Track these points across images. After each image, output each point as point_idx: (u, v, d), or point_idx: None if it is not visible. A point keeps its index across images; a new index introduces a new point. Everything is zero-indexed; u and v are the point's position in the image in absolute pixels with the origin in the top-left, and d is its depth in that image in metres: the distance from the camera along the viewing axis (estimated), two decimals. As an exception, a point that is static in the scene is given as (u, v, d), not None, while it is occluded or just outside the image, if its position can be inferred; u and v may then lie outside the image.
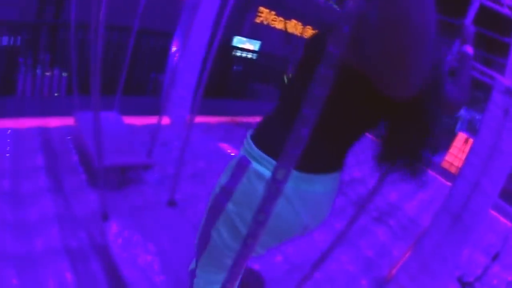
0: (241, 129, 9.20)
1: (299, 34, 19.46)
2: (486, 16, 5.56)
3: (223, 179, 1.90)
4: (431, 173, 11.05)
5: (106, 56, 7.63)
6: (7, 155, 5.42)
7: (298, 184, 1.71)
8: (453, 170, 12.74)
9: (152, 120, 7.58)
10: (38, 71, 9.07)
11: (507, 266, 6.59)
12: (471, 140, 13.00)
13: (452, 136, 16.10)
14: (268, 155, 1.73)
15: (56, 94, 8.64)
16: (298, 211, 1.77)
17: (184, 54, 7.65)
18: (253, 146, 1.80)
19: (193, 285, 2.23)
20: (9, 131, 6.18)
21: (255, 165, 1.75)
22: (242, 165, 1.80)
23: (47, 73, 9.23)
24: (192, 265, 2.33)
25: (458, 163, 12.71)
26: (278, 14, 18.10)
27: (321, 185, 1.80)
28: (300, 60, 1.78)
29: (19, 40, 9.00)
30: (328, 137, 1.72)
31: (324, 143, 1.72)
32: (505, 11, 5.69)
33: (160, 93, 9.11)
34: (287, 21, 18.46)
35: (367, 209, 5.98)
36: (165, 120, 8.03)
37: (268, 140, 1.78)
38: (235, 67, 12.36)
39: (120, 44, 8.64)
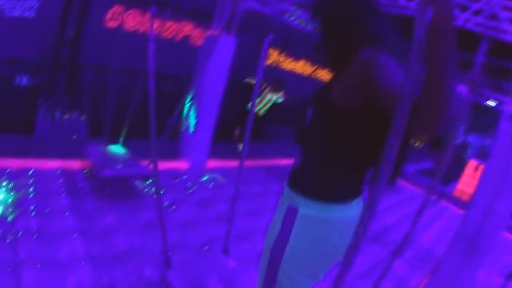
0: (260, 171, 9.36)
1: (308, 74, 19.70)
2: (494, 44, 5.73)
3: (275, 228, 2.16)
4: (443, 203, 11.10)
5: (121, 99, 7.83)
6: (31, 195, 5.54)
7: (342, 213, 2.04)
8: (465, 197, 12.78)
9: (171, 165, 7.79)
10: (57, 113, 9.26)
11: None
12: (481, 167, 13.01)
13: (462, 164, 16.13)
14: (311, 198, 2.04)
15: (74, 137, 8.82)
16: (345, 235, 2.04)
17: (201, 99, 7.85)
18: (296, 194, 2.10)
19: None
20: (32, 171, 6.35)
21: (302, 210, 2.06)
22: (291, 214, 2.08)
23: (66, 116, 9.43)
24: None
25: (470, 190, 12.77)
26: (287, 55, 18.26)
27: (354, 209, 2.09)
28: (315, 111, 2.11)
29: (38, 80, 9.21)
30: (355, 171, 2.06)
31: (353, 175, 2.06)
32: (510, 37, 5.86)
33: (176, 137, 9.25)
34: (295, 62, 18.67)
35: (384, 243, 6.09)
36: (183, 165, 8.24)
37: (306, 185, 2.08)
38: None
39: (132, 87, 8.88)
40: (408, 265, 6.49)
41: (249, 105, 9.80)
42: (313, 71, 16.87)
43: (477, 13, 6.30)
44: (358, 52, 1.86)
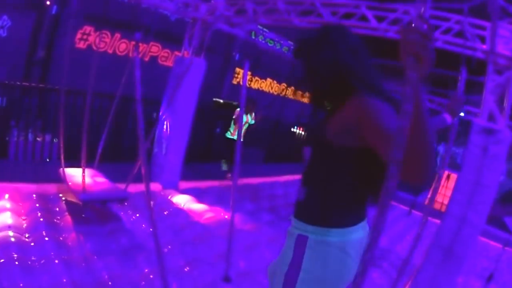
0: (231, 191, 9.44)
1: (275, 93, 19.90)
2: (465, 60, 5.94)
3: (286, 258, 2.28)
4: (416, 213, 11.28)
5: (92, 122, 7.86)
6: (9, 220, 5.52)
7: (349, 237, 2.21)
8: (437, 206, 12.97)
9: (141, 187, 7.86)
10: (30, 135, 9.25)
11: (503, 285, 7.00)
12: (452, 176, 13.20)
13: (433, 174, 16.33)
14: (319, 226, 2.21)
15: (47, 160, 8.85)
16: (354, 257, 2.21)
17: (172, 121, 7.96)
18: (305, 224, 2.26)
19: None
20: (7, 195, 6.32)
21: (312, 237, 2.21)
22: (301, 241, 2.23)
23: (39, 139, 9.42)
24: None
25: (442, 199, 12.98)
26: (253, 74, 18.38)
27: (360, 232, 2.27)
28: (313, 147, 2.33)
29: (4, 101, 9.17)
30: (357, 199, 2.27)
31: (355, 203, 2.27)
32: (479, 54, 6.09)
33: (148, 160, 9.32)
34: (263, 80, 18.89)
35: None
36: (156, 187, 8.32)
37: (314, 215, 2.25)
38: (218, 130, 12.69)
39: (103, 110, 8.92)
40: (386, 275, 6.64)
41: (229, 131, 9.97)
42: (282, 91, 16.97)
43: (447, 31, 6.51)
44: (353, 96, 2.06)
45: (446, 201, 11.73)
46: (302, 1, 7.57)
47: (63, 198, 6.54)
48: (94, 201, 6.13)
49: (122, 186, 6.62)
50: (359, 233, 2.26)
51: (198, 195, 8.46)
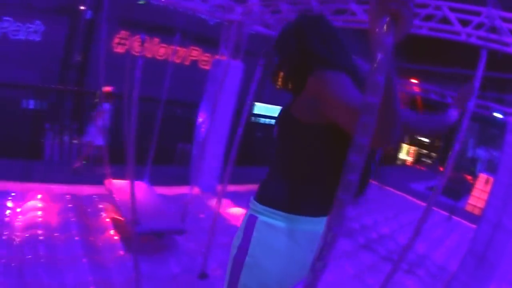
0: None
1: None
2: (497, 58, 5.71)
3: (237, 241, 2.18)
4: (455, 218, 11.06)
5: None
6: (40, 219, 5.55)
7: (302, 226, 2.07)
8: (477, 212, 12.75)
9: (181, 190, 7.77)
10: (65, 138, 9.28)
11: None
12: (491, 180, 13.00)
13: (473, 178, 16.06)
14: (271, 207, 2.07)
15: (84, 162, 8.83)
16: (305, 250, 2.09)
17: (212, 125, 7.89)
18: (257, 204, 2.13)
19: None
20: (40, 196, 6.35)
21: (262, 218, 2.08)
22: (251, 222, 2.12)
23: (75, 141, 9.45)
24: None
25: (481, 204, 12.75)
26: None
27: (320, 226, 2.06)
28: (280, 127, 2.21)
29: (44, 105, 9.23)
30: (319, 185, 2.10)
31: (316, 190, 2.10)
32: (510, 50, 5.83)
33: (188, 162, 9.23)
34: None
35: (397, 263, 6.13)
36: (195, 190, 8.20)
37: (269, 196, 2.12)
38: (258, 134, 12.62)
39: (146, 114, 8.91)
40: (421, 283, 6.45)
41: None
42: None
43: (479, 27, 6.28)
44: (313, 72, 2.00)
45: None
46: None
47: (110, 218, 6.28)
48: (149, 234, 5.59)
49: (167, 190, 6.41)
50: (316, 226, 2.10)
51: (236, 198, 8.36)
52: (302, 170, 2.08)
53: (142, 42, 4.49)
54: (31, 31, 11.70)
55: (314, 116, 1.98)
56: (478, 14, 6.06)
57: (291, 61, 2.21)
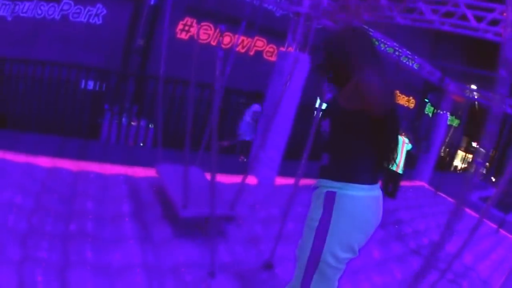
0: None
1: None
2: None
3: (316, 214, 2.75)
4: (503, 232, 10.79)
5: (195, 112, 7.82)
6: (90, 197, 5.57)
7: (369, 192, 2.71)
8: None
9: (236, 179, 7.70)
10: (124, 119, 9.33)
11: None
12: (546, 197, 12.65)
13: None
14: (345, 181, 2.67)
15: (141, 145, 8.88)
16: (374, 210, 2.75)
17: (276, 116, 7.83)
18: (332, 181, 2.73)
19: None
20: (93, 174, 6.39)
21: (340, 192, 2.67)
22: (330, 196, 2.69)
23: (133, 123, 9.50)
24: None
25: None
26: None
27: (378, 191, 2.80)
28: (332, 119, 2.82)
29: (104, 87, 9.31)
30: (371, 159, 2.74)
31: (370, 163, 2.74)
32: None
33: (246, 152, 9.17)
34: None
35: (444, 272, 6.00)
36: (252, 180, 8.20)
37: (340, 173, 2.71)
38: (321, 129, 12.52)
39: (204, 101, 8.90)
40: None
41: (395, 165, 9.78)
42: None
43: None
44: (354, 74, 2.51)
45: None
46: None
47: (158, 196, 6.31)
48: (196, 219, 5.58)
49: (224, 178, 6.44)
50: (377, 191, 2.79)
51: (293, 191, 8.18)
52: (354, 149, 2.72)
53: (222, 34, 4.62)
54: (92, 14, 11.86)
55: (356, 104, 2.52)
56: None
57: (335, 65, 2.82)
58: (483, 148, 3.76)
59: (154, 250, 4.67)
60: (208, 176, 6.17)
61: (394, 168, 9.81)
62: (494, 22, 6.73)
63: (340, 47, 2.77)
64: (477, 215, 9.71)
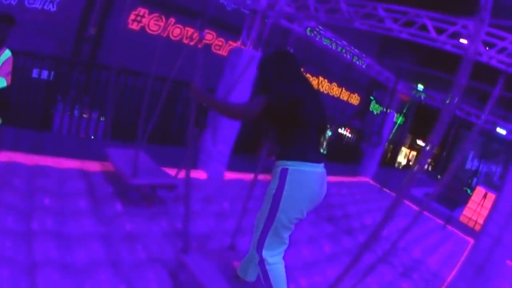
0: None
1: (325, 92, 19.86)
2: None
3: (274, 184, 3.46)
4: (450, 228, 11.16)
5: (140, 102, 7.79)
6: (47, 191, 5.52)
7: (313, 168, 3.45)
8: (471, 224, 12.85)
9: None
10: (76, 111, 9.22)
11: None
12: (490, 195, 13.07)
13: (470, 190, 16.15)
14: (294, 159, 3.40)
15: (92, 137, 8.81)
16: (318, 183, 3.50)
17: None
18: (285, 160, 3.43)
19: (265, 264, 3.55)
20: (47, 168, 6.33)
21: (291, 167, 3.39)
22: (284, 172, 3.39)
23: (85, 115, 9.40)
24: (255, 259, 3.65)
25: (475, 217, 12.84)
26: (305, 71, 18.40)
27: (319, 168, 3.52)
28: (268, 120, 3.60)
29: (56, 76, 9.15)
30: (307, 143, 3.52)
31: (307, 146, 3.51)
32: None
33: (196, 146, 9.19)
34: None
35: (393, 264, 6.19)
36: (202, 175, 8.28)
37: (290, 154, 3.43)
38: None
39: (155, 92, 8.89)
40: (415, 287, 6.53)
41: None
42: (339, 92, 16.78)
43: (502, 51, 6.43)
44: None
45: (480, 220, 11.60)
46: (364, 4, 7.57)
47: (110, 178, 6.48)
48: (144, 186, 6.15)
49: (171, 171, 6.63)
50: (321, 169, 3.53)
51: (242, 187, 8.34)
52: (293, 136, 3.47)
53: (201, 40, 5.07)
54: (47, 0, 11.66)
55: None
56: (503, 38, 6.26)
57: (259, 79, 3.77)
58: (429, 145, 3.96)
59: (116, 244, 4.73)
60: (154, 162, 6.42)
61: None
62: (454, 35, 6.94)
63: (261, 68, 3.75)
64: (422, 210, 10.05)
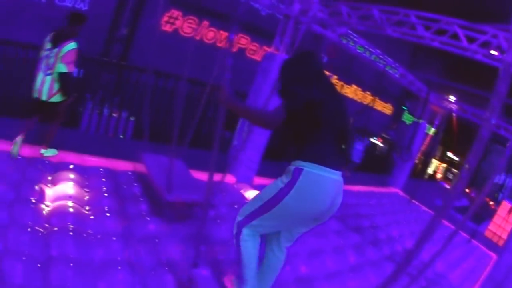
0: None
1: (358, 100, 19.73)
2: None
3: (285, 179, 3.40)
4: (474, 242, 10.96)
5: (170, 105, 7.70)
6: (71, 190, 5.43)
7: (327, 173, 3.32)
8: (495, 239, 12.64)
9: (217, 177, 7.66)
10: (105, 110, 9.22)
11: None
12: (515, 210, 12.90)
13: (495, 204, 15.89)
14: (309, 161, 3.30)
15: (121, 137, 8.78)
16: (329, 190, 3.37)
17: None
18: (300, 161, 3.35)
19: (240, 239, 3.68)
20: (72, 165, 6.28)
21: (306, 169, 3.30)
22: (298, 170, 3.31)
23: (114, 114, 9.40)
24: (234, 229, 3.77)
25: (501, 232, 12.64)
26: (339, 79, 18.30)
27: (336, 175, 3.40)
28: (285, 119, 3.44)
29: (86, 75, 9.16)
30: (323, 148, 3.42)
31: (323, 151, 3.42)
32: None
33: (226, 150, 9.12)
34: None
35: (416, 278, 6.10)
36: (230, 179, 8.18)
37: (303, 156, 3.35)
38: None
39: (192, 97, 8.83)
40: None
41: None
42: (371, 101, 16.63)
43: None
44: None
45: (504, 235, 11.39)
46: (396, 11, 7.49)
47: (142, 185, 6.34)
48: (179, 204, 5.80)
49: (202, 175, 6.56)
50: (337, 176, 3.41)
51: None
52: (304, 138, 3.43)
53: (230, 42, 4.81)
54: (78, -1, 11.73)
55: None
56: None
57: (278, 82, 3.75)
58: (468, 165, 3.87)
59: (136, 246, 4.64)
60: (191, 171, 6.26)
61: None
62: (485, 44, 6.81)
63: (281, 70, 3.71)
64: (449, 224, 9.86)
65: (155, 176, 5.72)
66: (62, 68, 5.90)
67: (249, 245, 3.66)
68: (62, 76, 5.95)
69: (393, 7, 7.52)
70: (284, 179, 3.40)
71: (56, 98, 6.08)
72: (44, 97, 6.01)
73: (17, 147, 5.85)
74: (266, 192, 3.53)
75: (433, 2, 7.52)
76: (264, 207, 3.49)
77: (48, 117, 6.30)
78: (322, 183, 3.31)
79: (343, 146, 3.56)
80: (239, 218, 3.74)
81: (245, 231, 3.65)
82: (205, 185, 4.85)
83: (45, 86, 5.97)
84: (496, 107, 3.42)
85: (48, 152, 6.34)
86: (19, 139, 5.88)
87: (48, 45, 5.96)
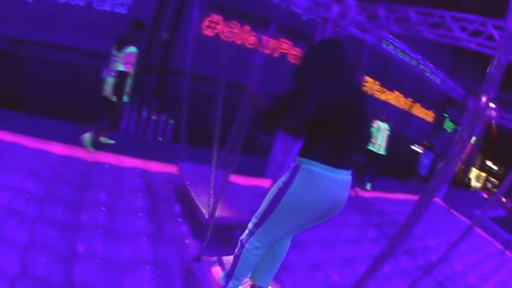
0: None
1: (400, 106, 19.53)
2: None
3: (284, 179, 3.33)
4: (508, 254, 10.73)
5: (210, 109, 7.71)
6: (104, 189, 5.51)
7: (328, 172, 3.18)
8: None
9: (255, 181, 7.72)
10: (144, 112, 9.31)
11: None
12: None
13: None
14: (308, 158, 3.21)
15: (160, 139, 8.84)
16: (329, 190, 3.22)
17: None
18: (300, 157, 3.28)
19: (242, 249, 3.57)
20: (107, 165, 6.36)
21: (303, 165, 3.22)
22: (296, 168, 3.26)
23: (153, 117, 9.47)
24: (242, 237, 3.65)
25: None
26: (382, 85, 18.15)
27: (339, 175, 3.26)
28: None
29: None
30: (329, 146, 3.23)
31: (329, 149, 3.23)
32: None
33: (266, 155, 9.09)
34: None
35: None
36: (268, 184, 8.08)
37: (305, 152, 3.27)
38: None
39: (231, 101, 8.83)
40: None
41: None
42: (410, 106, 16.45)
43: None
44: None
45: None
46: (432, 12, 7.43)
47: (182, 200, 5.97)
48: (220, 227, 5.13)
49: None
50: (341, 175, 3.25)
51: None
52: (315, 135, 3.25)
53: (260, 41, 4.70)
54: (117, 3, 11.87)
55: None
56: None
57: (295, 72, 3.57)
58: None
59: (165, 247, 4.65)
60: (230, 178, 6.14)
61: (375, 149, 10.28)
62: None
63: (301, 60, 3.57)
64: (484, 234, 9.69)
65: (195, 192, 5.26)
66: (120, 67, 6.50)
67: (251, 258, 3.60)
68: (119, 74, 6.55)
69: (428, 8, 7.46)
70: (284, 178, 3.35)
71: (114, 98, 6.70)
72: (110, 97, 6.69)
73: (89, 141, 6.58)
74: (269, 195, 3.46)
75: (469, 2, 7.37)
76: (267, 211, 3.42)
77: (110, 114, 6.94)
78: (320, 180, 3.16)
79: (357, 145, 3.46)
80: (249, 225, 3.65)
81: (252, 242, 3.55)
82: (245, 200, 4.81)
83: (109, 87, 6.69)
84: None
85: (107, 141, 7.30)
86: (87, 134, 6.54)
87: (114, 50, 6.68)
